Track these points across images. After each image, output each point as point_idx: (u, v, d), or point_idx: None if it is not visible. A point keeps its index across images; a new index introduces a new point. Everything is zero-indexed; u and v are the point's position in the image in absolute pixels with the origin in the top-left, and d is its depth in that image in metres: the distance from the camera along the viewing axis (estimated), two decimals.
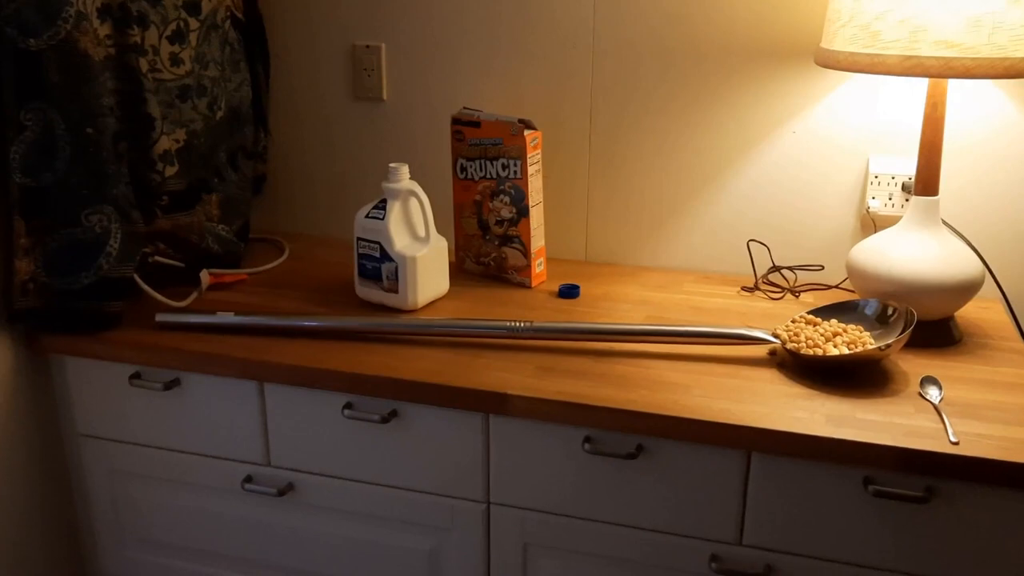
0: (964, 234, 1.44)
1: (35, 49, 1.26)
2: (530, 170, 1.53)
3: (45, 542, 1.51)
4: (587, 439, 1.22)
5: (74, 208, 1.34)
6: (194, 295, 1.52)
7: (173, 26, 1.46)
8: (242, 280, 1.61)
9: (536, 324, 1.35)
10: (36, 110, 1.29)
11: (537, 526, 1.29)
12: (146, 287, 1.45)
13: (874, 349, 1.23)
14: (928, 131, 1.33)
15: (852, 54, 1.25)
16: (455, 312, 1.48)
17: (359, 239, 1.48)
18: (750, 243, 1.64)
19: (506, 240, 1.59)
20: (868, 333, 1.28)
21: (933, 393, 1.21)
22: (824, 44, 1.33)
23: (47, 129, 1.30)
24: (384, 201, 1.47)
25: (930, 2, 1.18)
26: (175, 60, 1.47)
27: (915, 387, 1.23)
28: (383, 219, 1.45)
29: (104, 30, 1.35)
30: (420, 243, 1.47)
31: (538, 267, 1.60)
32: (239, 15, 1.64)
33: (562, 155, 1.69)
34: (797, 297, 1.55)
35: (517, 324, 1.35)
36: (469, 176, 1.59)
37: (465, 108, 1.60)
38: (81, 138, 1.32)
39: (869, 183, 1.55)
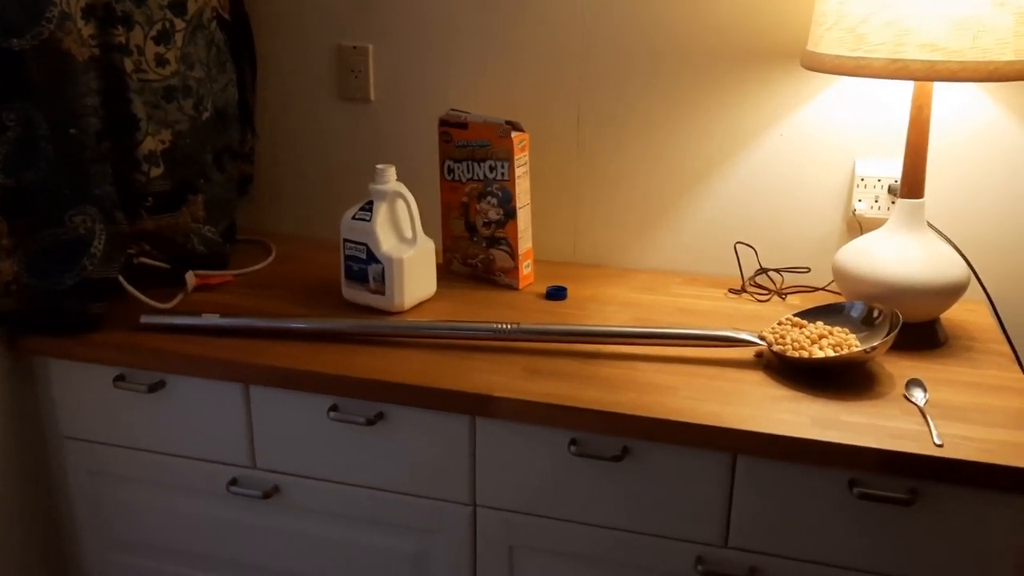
0: (949, 236, 1.44)
1: (18, 49, 1.26)
2: (517, 172, 1.53)
3: (27, 545, 1.50)
4: (573, 441, 1.22)
5: (57, 209, 1.33)
6: (179, 297, 1.51)
7: (159, 26, 1.45)
8: (228, 281, 1.61)
9: (523, 326, 1.35)
10: (18, 110, 1.28)
11: (523, 528, 1.29)
12: (131, 288, 1.44)
13: (860, 351, 1.23)
14: (913, 134, 1.33)
15: (838, 57, 1.26)
16: (442, 314, 1.48)
17: (345, 240, 1.47)
18: (737, 245, 1.64)
19: (493, 242, 1.59)
20: (854, 335, 1.28)
21: (918, 395, 1.21)
22: (810, 47, 1.34)
23: (29, 129, 1.29)
24: (371, 202, 1.46)
25: (915, 5, 1.18)
26: (160, 60, 1.46)
27: (900, 389, 1.23)
28: (370, 220, 1.45)
29: (88, 30, 1.34)
30: (407, 245, 1.47)
31: (525, 269, 1.60)
32: (225, 15, 1.63)
33: (550, 157, 1.69)
34: (784, 299, 1.55)
35: (504, 326, 1.35)
36: (456, 178, 1.59)
37: (452, 110, 1.60)
38: (64, 138, 1.31)
39: (855, 185, 1.55)
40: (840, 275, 1.39)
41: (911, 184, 1.35)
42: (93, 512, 1.51)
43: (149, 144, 1.45)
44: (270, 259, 1.72)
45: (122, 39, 1.39)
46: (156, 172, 1.48)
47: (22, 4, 1.25)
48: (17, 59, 1.26)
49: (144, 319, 1.41)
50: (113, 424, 1.44)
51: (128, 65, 1.40)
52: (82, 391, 1.43)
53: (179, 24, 1.49)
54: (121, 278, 1.42)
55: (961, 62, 1.18)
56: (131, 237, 1.46)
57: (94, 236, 1.36)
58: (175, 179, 1.52)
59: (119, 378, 1.39)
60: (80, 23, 1.32)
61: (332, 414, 1.30)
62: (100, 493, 1.50)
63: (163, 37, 1.46)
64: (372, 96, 1.76)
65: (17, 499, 1.46)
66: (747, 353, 1.34)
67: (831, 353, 1.24)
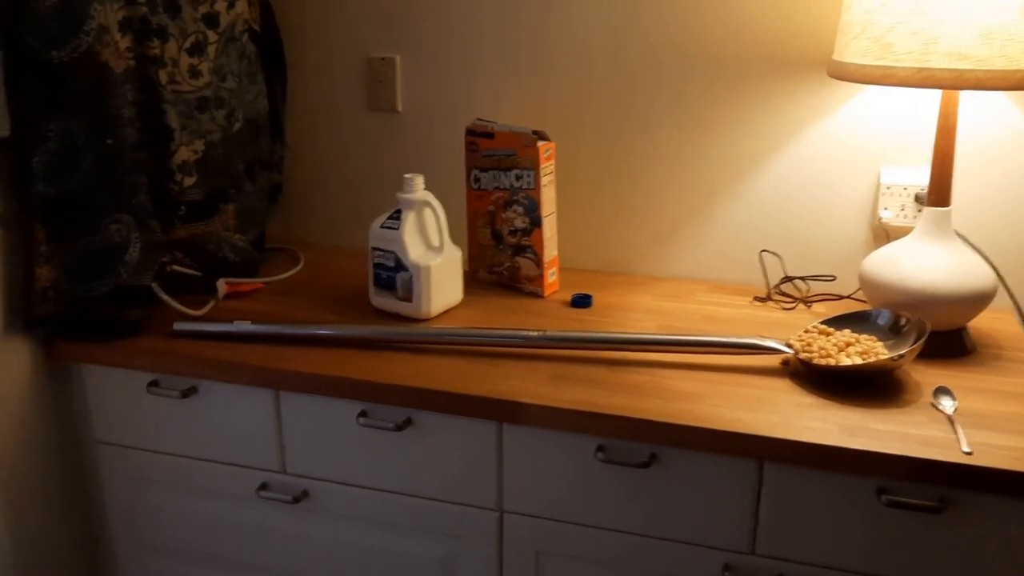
0: (977, 244, 1.44)
1: (57, 61, 1.29)
2: (543, 180, 1.54)
3: (62, 548, 1.52)
4: (600, 448, 1.22)
5: (94, 217, 1.36)
6: (211, 304, 1.53)
7: (192, 39, 1.48)
8: (258, 289, 1.63)
9: (549, 333, 1.36)
10: (58, 121, 1.31)
11: (550, 534, 1.30)
12: (164, 296, 1.46)
13: (887, 359, 1.23)
14: (940, 142, 1.33)
15: (864, 66, 1.26)
16: (468, 321, 1.49)
17: (374, 248, 1.49)
18: (762, 253, 1.65)
19: (519, 250, 1.60)
20: (881, 343, 1.28)
21: (946, 403, 1.21)
22: (836, 56, 1.34)
23: (69, 139, 1.32)
24: (399, 211, 1.48)
25: (942, 14, 1.18)
26: (194, 72, 1.49)
27: (928, 397, 1.23)
28: (398, 229, 1.46)
29: (125, 42, 1.37)
30: (434, 253, 1.49)
31: (551, 277, 1.61)
32: (256, 28, 1.66)
33: (575, 165, 1.70)
34: (809, 307, 1.55)
35: (530, 333, 1.36)
36: (483, 186, 1.61)
37: (479, 119, 1.62)
38: (101, 148, 1.34)
39: (881, 193, 1.55)
40: (867, 283, 1.39)
41: (938, 192, 1.35)
42: (127, 516, 1.54)
43: (182, 154, 1.48)
44: (299, 267, 1.74)
45: (157, 51, 1.42)
46: (189, 182, 1.50)
47: (61, 17, 1.28)
48: (58, 71, 1.29)
49: (177, 326, 1.43)
50: (146, 429, 1.46)
51: (163, 77, 1.43)
52: (116, 396, 1.46)
53: (212, 36, 1.52)
54: (155, 285, 1.45)
55: (988, 71, 1.18)
56: (164, 245, 1.49)
57: (129, 244, 1.38)
58: (207, 188, 1.55)
59: (152, 384, 1.41)
60: (117, 35, 1.35)
61: (361, 420, 1.32)
62: (133, 497, 1.52)
63: (196, 49, 1.49)
64: (399, 106, 1.78)
65: (52, 503, 1.49)
66: (773, 361, 1.34)
67: (858, 361, 1.24)
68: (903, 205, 1.54)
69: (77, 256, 1.37)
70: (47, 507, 1.48)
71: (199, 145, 1.52)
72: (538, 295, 1.60)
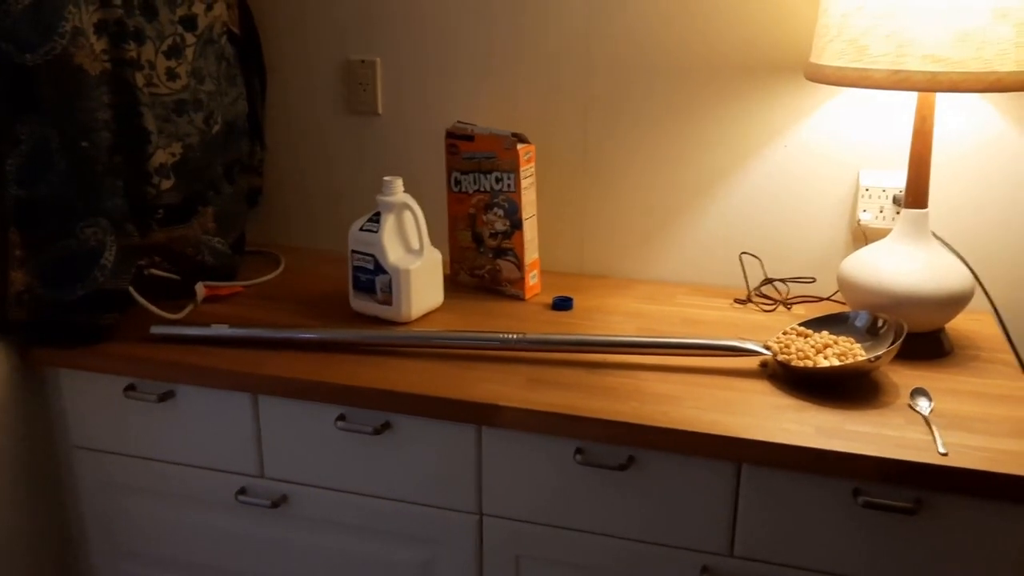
0: (954, 246, 1.45)
1: (31, 64, 1.28)
2: (524, 183, 1.54)
3: (37, 554, 1.51)
4: (578, 451, 1.22)
5: (69, 221, 1.35)
6: (189, 307, 1.53)
7: (169, 41, 1.47)
8: (237, 292, 1.62)
9: (528, 336, 1.36)
10: (31, 124, 1.30)
11: (529, 537, 1.29)
12: (141, 299, 1.46)
13: (864, 361, 1.23)
14: (917, 144, 1.34)
15: (840, 68, 1.27)
16: (449, 324, 1.49)
17: (353, 251, 1.49)
18: (742, 255, 1.65)
19: (500, 253, 1.60)
20: (859, 345, 1.29)
21: (923, 405, 1.21)
22: (813, 59, 1.35)
23: (42, 143, 1.31)
24: (378, 214, 1.48)
25: (917, 17, 1.19)
26: (171, 75, 1.48)
27: (905, 399, 1.23)
28: (377, 232, 1.46)
29: (100, 45, 1.36)
30: (414, 255, 1.48)
31: (532, 279, 1.61)
32: (235, 30, 1.65)
33: (556, 168, 1.70)
34: (789, 309, 1.55)
35: (509, 336, 1.35)
36: (463, 189, 1.60)
37: (459, 122, 1.61)
38: (76, 152, 1.33)
39: (860, 196, 1.56)
40: (845, 285, 1.40)
41: (915, 194, 1.35)
42: (102, 521, 1.52)
43: (160, 157, 1.47)
44: (279, 270, 1.73)
45: (133, 54, 1.41)
46: (166, 184, 1.49)
47: (35, 20, 1.27)
48: (30, 74, 1.28)
49: (154, 330, 1.42)
50: (123, 434, 1.45)
51: (139, 79, 1.42)
52: (92, 401, 1.45)
53: (190, 39, 1.51)
54: (131, 289, 1.44)
55: (963, 73, 1.18)
56: (141, 249, 1.48)
57: (105, 248, 1.37)
58: (185, 191, 1.54)
59: (129, 388, 1.40)
60: (92, 38, 1.34)
61: (339, 424, 1.31)
62: (109, 502, 1.51)
63: (174, 52, 1.48)
64: (380, 109, 1.78)
65: (27, 508, 1.48)
66: (752, 363, 1.34)
67: (836, 362, 1.24)
68: (882, 207, 1.55)
69: (52, 260, 1.35)
70: (22, 512, 1.47)
71: (177, 148, 1.51)
72: (519, 298, 1.60)
